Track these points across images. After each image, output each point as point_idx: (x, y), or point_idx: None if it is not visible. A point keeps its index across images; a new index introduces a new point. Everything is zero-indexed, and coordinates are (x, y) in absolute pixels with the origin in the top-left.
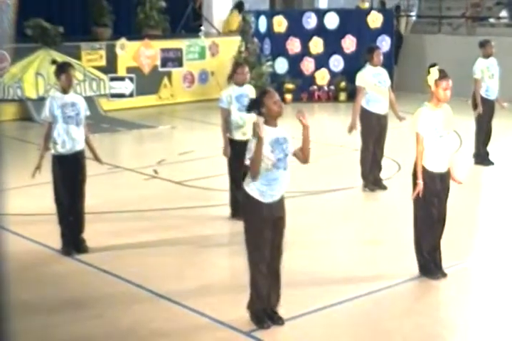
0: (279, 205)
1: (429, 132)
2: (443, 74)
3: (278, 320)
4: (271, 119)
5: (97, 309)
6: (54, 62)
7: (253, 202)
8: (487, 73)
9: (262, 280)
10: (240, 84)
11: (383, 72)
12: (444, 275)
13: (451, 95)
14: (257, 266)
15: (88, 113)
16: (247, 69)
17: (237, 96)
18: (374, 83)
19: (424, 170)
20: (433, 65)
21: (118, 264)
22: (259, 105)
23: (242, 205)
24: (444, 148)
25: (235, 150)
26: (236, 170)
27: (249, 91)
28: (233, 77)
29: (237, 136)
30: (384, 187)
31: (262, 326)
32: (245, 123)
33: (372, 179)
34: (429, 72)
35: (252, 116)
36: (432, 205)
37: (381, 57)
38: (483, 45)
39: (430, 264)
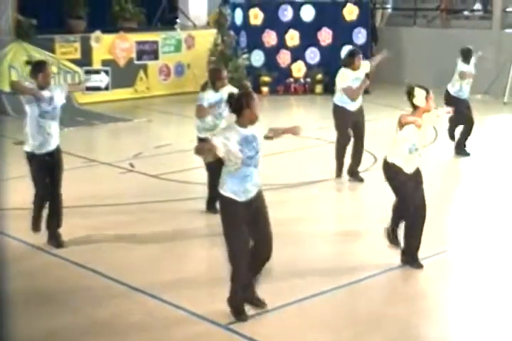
0: (255, 199)
1: (408, 147)
2: (426, 88)
3: (261, 304)
4: (245, 123)
5: (73, 303)
6: (28, 62)
7: (228, 202)
8: (464, 76)
9: (242, 274)
10: (218, 89)
11: (362, 76)
12: (420, 266)
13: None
14: (236, 261)
15: (64, 101)
16: (225, 73)
17: (213, 102)
18: (351, 86)
19: (400, 170)
20: (411, 87)
21: (94, 258)
22: (240, 106)
23: (219, 205)
24: (417, 157)
25: None
26: (211, 166)
27: (225, 95)
28: (213, 83)
29: (204, 135)
30: (361, 180)
31: (241, 318)
32: (215, 127)
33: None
34: (412, 94)
35: (223, 122)
36: (412, 198)
37: (361, 62)
38: (467, 53)
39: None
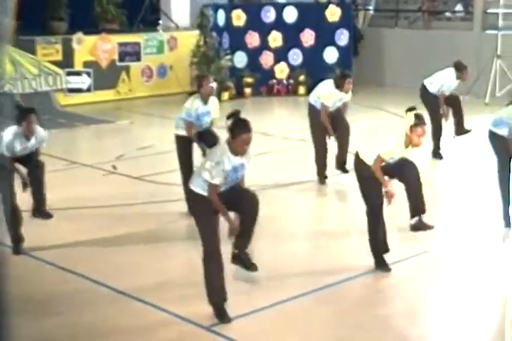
0: (229, 190)
1: (386, 159)
2: (418, 121)
3: (252, 266)
4: (235, 152)
5: (56, 307)
6: (18, 106)
7: (197, 197)
8: (448, 90)
9: (216, 273)
10: (207, 97)
11: (346, 98)
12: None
13: (404, 87)
14: (210, 259)
15: (45, 145)
16: (212, 80)
17: (201, 114)
18: (332, 103)
19: (366, 165)
20: (411, 109)
21: (77, 261)
22: (232, 133)
23: (188, 201)
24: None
25: (181, 145)
26: (184, 164)
27: (212, 107)
28: (199, 91)
29: (183, 132)
30: (346, 171)
31: (224, 320)
32: (200, 128)
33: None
34: (405, 115)
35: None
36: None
37: (351, 86)
38: (461, 69)
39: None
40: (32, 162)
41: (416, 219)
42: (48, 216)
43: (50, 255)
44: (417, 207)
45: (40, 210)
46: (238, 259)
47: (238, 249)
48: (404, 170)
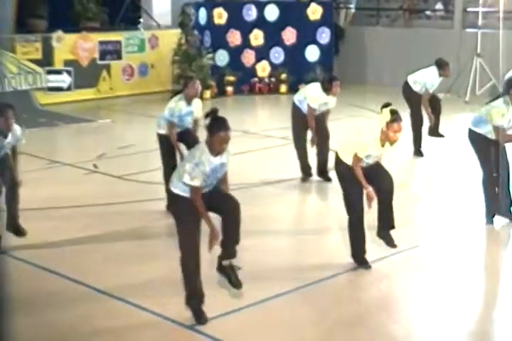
0: (210, 193)
1: (362, 157)
2: (394, 117)
3: (236, 282)
4: (212, 150)
5: (35, 307)
6: None
7: (176, 197)
8: (432, 88)
9: (194, 276)
10: (190, 99)
11: (332, 102)
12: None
13: (386, 85)
14: (187, 262)
15: (24, 141)
16: (198, 83)
17: (184, 114)
18: (318, 105)
19: (345, 164)
20: (386, 105)
21: (58, 261)
22: (209, 130)
23: (170, 202)
24: (369, 164)
25: (163, 144)
26: (166, 163)
27: (195, 107)
28: (184, 91)
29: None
30: (328, 179)
31: (200, 321)
32: (183, 127)
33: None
34: (381, 112)
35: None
36: (357, 195)
37: (339, 90)
38: (443, 66)
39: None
40: (8, 179)
41: (386, 231)
42: (22, 234)
43: (30, 254)
44: (388, 221)
45: (14, 226)
46: (223, 271)
47: (223, 259)
48: (381, 181)
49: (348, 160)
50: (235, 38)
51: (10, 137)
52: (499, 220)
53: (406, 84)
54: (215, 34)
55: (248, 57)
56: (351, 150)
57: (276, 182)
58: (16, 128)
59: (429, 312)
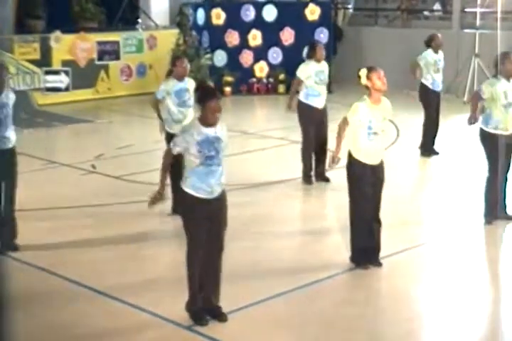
0: (218, 202)
1: (363, 128)
2: (370, 67)
3: (221, 316)
4: (206, 122)
5: (34, 307)
6: None
7: (189, 198)
8: (433, 67)
9: (195, 280)
10: (180, 77)
11: (325, 69)
12: (380, 265)
13: (387, 86)
14: (191, 265)
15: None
16: (186, 62)
17: (177, 91)
18: (315, 80)
19: (357, 161)
20: (358, 69)
21: (56, 261)
22: (199, 102)
23: (180, 202)
24: (376, 144)
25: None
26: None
27: (190, 85)
28: (173, 71)
29: (176, 129)
30: (326, 180)
31: (201, 323)
32: (185, 118)
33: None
34: (359, 76)
35: (191, 111)
36: (365, 197)
37: (323, 52)
38: (432, 38)
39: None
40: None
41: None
42: (14, 248)
43: (28, 255)
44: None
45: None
46: (208, 306)
47: (206, 296)
48: (375, 192)
49: (356, 154)
50: (233, 38)
51: (3, 96)
52: (498, 220)
53: (421, 84)
54: (213, 34)
55: (246, 58)
56: (355, 135)
57: (274, 182)
58: (9, 95)
59: (429, 312)
